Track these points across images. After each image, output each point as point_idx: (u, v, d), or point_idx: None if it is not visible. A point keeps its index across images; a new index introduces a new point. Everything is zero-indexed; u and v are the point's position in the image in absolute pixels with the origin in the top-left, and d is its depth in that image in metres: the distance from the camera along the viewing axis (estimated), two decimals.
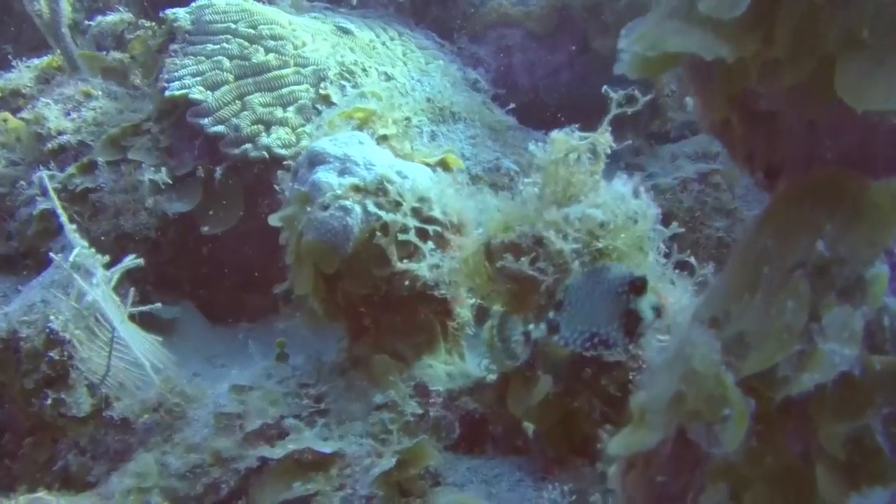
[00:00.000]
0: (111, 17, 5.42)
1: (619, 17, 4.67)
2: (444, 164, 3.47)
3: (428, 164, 3.35)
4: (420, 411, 2.84)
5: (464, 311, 3.15)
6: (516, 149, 4.14)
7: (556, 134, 2.74)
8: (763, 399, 1.28)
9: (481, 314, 3.17)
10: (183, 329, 4.05)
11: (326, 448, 2.67)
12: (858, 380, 1.28)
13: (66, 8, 4.80)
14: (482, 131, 4.17)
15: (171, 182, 4.00)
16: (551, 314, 2.45)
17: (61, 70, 4.86)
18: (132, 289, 3.47)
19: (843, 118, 1.53)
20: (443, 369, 2.98)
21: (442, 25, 5.10)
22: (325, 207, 2.93)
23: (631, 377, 2.47)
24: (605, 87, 2.77)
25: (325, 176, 3.00)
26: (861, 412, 1.24)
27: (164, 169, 4.02)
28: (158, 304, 3.60)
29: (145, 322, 3.71)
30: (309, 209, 2.97)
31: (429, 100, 4.12)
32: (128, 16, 5.24)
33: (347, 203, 2.91)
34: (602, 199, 2.70)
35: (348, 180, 2.96)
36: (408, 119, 3.84)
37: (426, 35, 4.84)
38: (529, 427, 2.82)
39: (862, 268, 1.42)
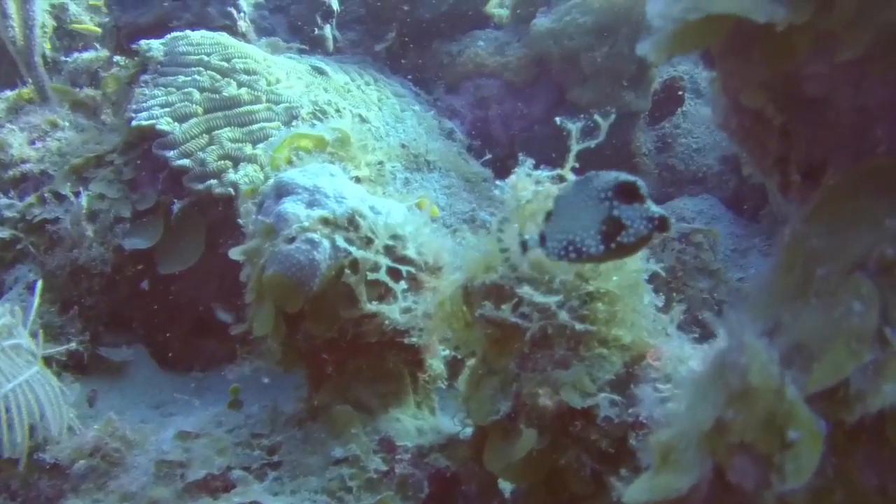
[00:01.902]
0: (87, 55, 5.20)
1: (597, 69, 4.50)
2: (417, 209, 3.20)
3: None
4: (385, 468, 2.49)
5: (436, 362, 2.83)
6: (492, 201, 3.89)
7: (513, 178, 2.46)
8: (832, 423, 0.99)
9: (455, 367, 2.86)
10: (133, 373, 3.69)
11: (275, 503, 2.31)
12: None
13: (39, 35, 4.55)
14: (457, 182, 3.93)
15: (130, 216, 3.68)
16: (542, 225, 2.11)
17: (32, 101, 4.60)
18: (40, 331, 3.10)
19: None
20: (412, 423, 2.64)
21: (418, 75, 4.91)
22: (291, 240, 2.61)
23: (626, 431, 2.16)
24: (557, 118, 2.50)
25: (293, 207, 2.70)
26: None
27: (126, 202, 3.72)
28: (63, 347, 3.22)
29: (94, 364, 3.46)
30: (273, 242, 2.66)
31: (403, 146, 3.88)
32: (103, 53, 5.02)
33: (315, 236, 2.60)
34: None
35: (317, 212, 2.66)
36: (381, 163, 3.57)
37: (402, 83, 4.63)
38: (507, 486, 2.48)
39: None
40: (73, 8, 5.74)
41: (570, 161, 2.47)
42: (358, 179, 3.17)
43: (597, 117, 2.43)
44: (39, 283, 3.25)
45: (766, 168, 1.58)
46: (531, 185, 2.44)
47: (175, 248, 3.60)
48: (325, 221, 2.64)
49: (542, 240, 2.08)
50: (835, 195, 1.35)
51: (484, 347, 2.47)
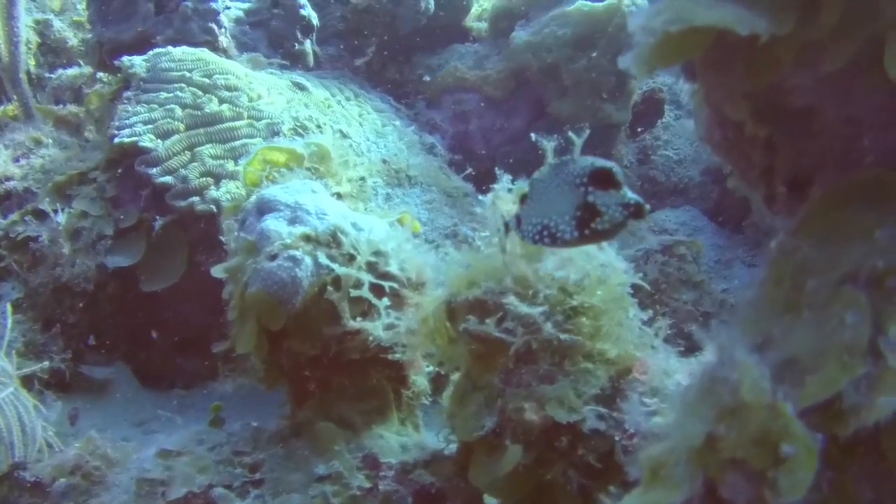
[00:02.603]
0: (70, 71, 5.16)
1: (577, 80, 4.49)
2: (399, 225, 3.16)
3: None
4: (368, 485, 2.45)
5: (420, 378, 2.79)
6: (473, 216, 3.87)
7: (492, 194, 2.43)
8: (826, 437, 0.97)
9: (438, 383, 2.83)
10: (114, 391, 3.66)
11: None
12: None
13: (23, 52, 4.51)
14: (439, 196, 3.90)
15: (112, 234, 3.64)
16: (518, 208, 2.08)
17: (16, 119, 4.56)
18: (13, 352, 3.05)
19: (889, 112, 1.26)
20: (396, 440, 2.60)
21: (399, 89, 4.88)
22: (273, 257, 2.58)
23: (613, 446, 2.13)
24: (532, 134, 2.46)
25: (275, 224, 2.66)
26: None
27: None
28: (39, 366, 3.17)
29: (76, 383, 3.43)
30: (255, 259, 2.62)
31: (385, 161, 3.85)
32: (87, 69, 4.98)
33: (297, 253, 2.56)
34: (567, 253, 2.40)
35: (299, 229, 2.62)
36: (362, 179, 3.54)
37: (382, 98, 4.61)
38: (492, 502, 2.44)
39: None
40: (56, 24, 5.70)
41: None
42: (339, 195, 3.14)
43: (570, 134, 2.42)
44: (9, 306, 3.19)
45: (751, 180, 1.56)
46: (510, 200, 2.42)
47: (157, 265, 3.56)
48: (308, 238, 2.61)
49: (517, 221, 2.06)
50: (823, 207, 1.33)
51: (468, 363, 2.44)
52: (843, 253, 1.21)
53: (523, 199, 2.06)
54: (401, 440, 2.63)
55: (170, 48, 3.90)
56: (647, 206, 1.87)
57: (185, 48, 3.90)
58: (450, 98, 4.75)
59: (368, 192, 3.55)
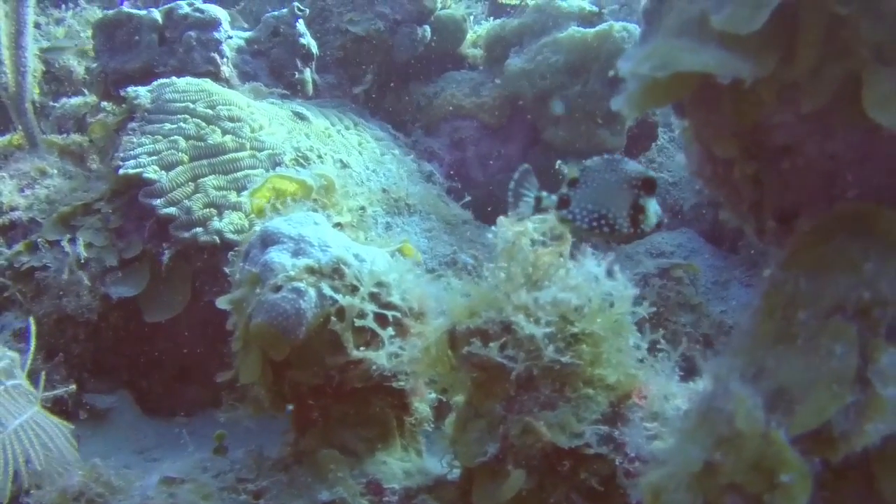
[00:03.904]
0: (74, 101, 5.22)
1: (571, 108, 4.55)
2: (400, 255, 3.22)
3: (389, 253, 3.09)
4: None
5: (422, 405, 2.84)
6: (472, 243, 3.92)
7: (502, 218, 2.50)
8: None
9: (441, 409, 2.87)
10: (116, 419, 3.69)
11: None
12: None
13: (30, 83, 4.58)
14: (438, 224, 3.95)
15: (116, 265, 3.69)
16: (564, 189, 2.27)
17: (22, 148, 4.62)
18: (42, 373, 3.11)
19: (868, 148, 1.31)
20: (399, 466, 2.64)
21: (397, 117, 4.95)
22: (277, 289, 2.63)
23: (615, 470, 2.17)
24: (558, 161, 2.59)
25: (278, 256, 2.72)
26: None
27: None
28: (72, 387, 3.22)
29: (78, 410, 3.45)
30: (259, 291, 2.67)
31: (384, 190, 3.91)
32: (91, 98, 5.04)
33: (301, 285, 2.62)
34: (574, 280, 2.45)
35: (302, 261, 2.68)
36: (363, 208, 3.61)
37: (381, 126, 4.67)
38: None
39: None
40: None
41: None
42: (340, 225, 3.20)
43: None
44: (32, 325, 3.23)
45: (742, 213, 1.62)
46: (519, 225, 2.48)
47: (161, 296, 3.61)
48: (311, 270, 2.66)
49: (563, 203, 2.21)
50: (810, 240, 1.39)
51: (470, 391, 2.49)
52: (830, 285, 1.27)
53: (573, 182, 2.22)
54: (404, 466, 2.67)
55: (174, 79, 3.97)
56: (665, 221, 2.11)
57: (188, 79, 3.97)
58: (447, 125, 4.82)
59: (369, 221, 3.62)
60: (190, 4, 4.30)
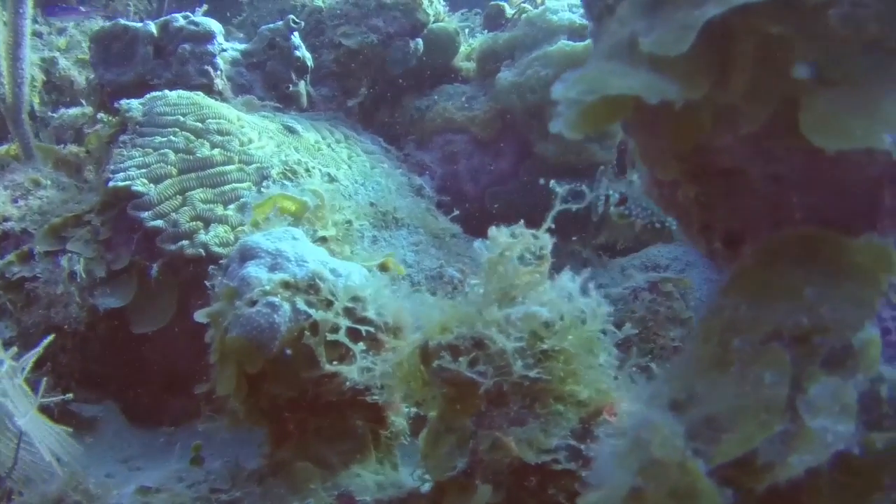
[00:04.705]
0: (73, 111, 5.25)
1: None
2: (383, 269, 3.21)
3: (371, 268, 3.09)
4: None
5: (398, 419, 2.83)
6: (460, 257, 3.90)
7: (494, 231, 2.48)
8: (742, 491, 0.98)
9: (418, 423, 2.85)
10: (102, 429, 3.70)
11: None
12: (858, 460, 1.00)
13: (27, 94, 4.59)
14: (426, 238, 3.93)
15: (104, 276, 3.69)
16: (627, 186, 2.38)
17: (17, 158, 4.63)
18: (44, 379, 3.12)
19: (811, 170, 1.29)
20: (372, 479, 2.64)
21: (389, 130, 4.93)
22: (252, 303, 2.65)
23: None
24: (552, 181, 2.55)
25: (255, 271, 2.73)
26: (866, 498, 0.95)
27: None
28: (70, 395, 3.22)
29: (64, 419, 3.37)
30: (235, 305, 2.68)
31: (372, 204, 3.89)
32: (88, 110, 5.06)
33: (276, 300, 2.63)
34: (547, 296, 2.42)
35: (278, 276, 2.69)
36: (349, 222, 3.59)
37: (373, 140, 4.66)
38: None
39: (849, 334, 1.16)
40: (62, 62, 5.79)
41: (549, 222, 2.50)
42: (325, 239, 3.20)
43: (584, 187, 2.47)
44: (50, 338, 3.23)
45: (693, 236, 1.59)
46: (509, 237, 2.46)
47: (147, 308, 3.61)
48: (287, 285, 2.68)
49: (621, 201, 2.24)
50: (752, 265, 1.36)
51: (441, 406, 2.47)
52: (769, 311, 1.24)
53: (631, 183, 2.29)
54: (377, 479, 2.66)
55: (166, 92, 3.98)
56: None
57: (180, 92, 3.97)
58: (439, 139, 4.80)
59: (355, 235, 3.60)
60: (185, 17, 4.31)
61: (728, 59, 1.21)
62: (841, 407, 1.00)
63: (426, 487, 2.57)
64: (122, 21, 4.41)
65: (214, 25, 4.32)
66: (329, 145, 4.15)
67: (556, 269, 2.53)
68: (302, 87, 4.74)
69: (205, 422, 3.01)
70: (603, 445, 2.14)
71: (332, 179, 3.85)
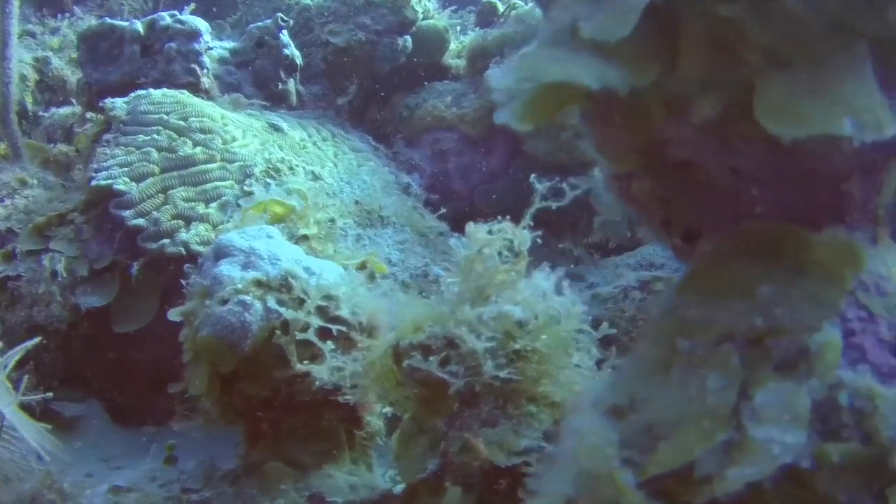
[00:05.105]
0: (63, 110, 5.19)
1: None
2: (365, 268, 3.12)
3: (349, 267, 3.00)
4: None
5: (374, 419, 2.75)
6: (446, 255, 3.80)
7: (472, 227, 2.39)
8: None
9: (395, 424, 2.76)
10: (84, 428, 3.65)
11: None
12: (808, 474, 0.91)
13: (14, 93, 4.51)
14: (412, 237, 3.85)
15: (86, 275, 3.63)
16: None
17: (6, 158, 4.56)
18: (26, 376, 3.06)
19: (772, 161, 1.19)
20: (345, 480, 2.58)
21: (380, 128, 4.84)
22: (224, 302, 2.59)
23: None
24: (531, 176, 2.45)
25: (228, 269, 2.66)
26: None
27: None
28: (50, 394, 3.16)
29: (46, 419, 3.29)
30: (207, 303, 2.60)
31: (357, 202, 3.81)
32: (78, 109, 4.98)
33: (247, 298, 2.56)
34: (521, 295, 2.34)
35: (251, 274, 2.62)
36: (332, 220, 3.51)
37: (361, 138, 4.57)
38: None
39: (806, 336, 1.06)
40: (55, 62, 5.71)
41: (527, 219, 2.41)
42: (306, 237, 3.13)
43: (564, 185, 2.36)
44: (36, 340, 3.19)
45: (655, 231, 1.49)
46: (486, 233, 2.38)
47: (129, 307, 3.56)
48: (259, 283, 2.62)
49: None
50: (708, 262, 1.27)
51: (414, 406, 2.40)
52: (722, 311, 1.15)
53: None
54: (350, 480, 2.61)
55: (150, 91, 3.92)
56: None
57: (164, 90, 3.91)
58: (429, 137, 4.71)
59: (337, 233, 3.51)
60: (172, 16, 4.24)
61: (678, 44, 1.11)
62: (791, 415, 0.90)
63: (399, 489, 2.49)
64: (109, 20, 4.35)
65: (200, 24, 4.25)
66: (315, 143, 4.07)
67: (548, 267, 2.44)
68: (291, 85, 4.66)
69: (179, 421, 2.94)
70: (550, 451, 2.07)
71: (316, 178, 3.76)
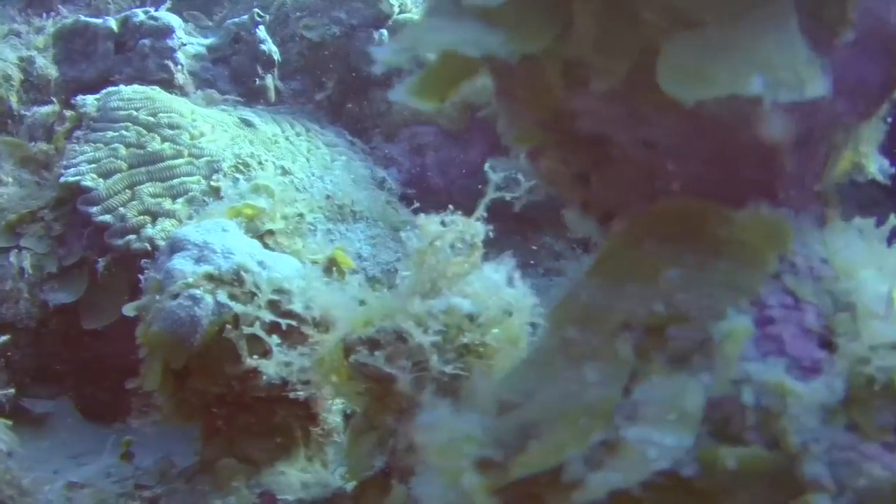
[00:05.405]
0: (44, 109, 5.07)
1: None
2: (332, 263, 3.02)
3: (316, 262, 2.90)
4: None
5: (332, 416, 2.65)
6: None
7: (423, 219, 2.28)
8: None
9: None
10: (54, 425, 3.60)
11: None
12: (691, 483, 0.78)
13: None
14: (384, 231, 3.75)
15: (56, 272, 3.56)
16: None
17: None
18: None
19: (688, 132, 1.07)
20: (297, 477, 2.51)
21: (359, 123, 4.72)
22: (175, 296, 2.52)
23: None
24: (486, 165, 2.34)
25: (180, 263, 2.59)
26: None
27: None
28: (12, 391, 3.14)
29: (17, 416, 3.22)
30: (158, 298, 2.50)
31: (328, 197, 3.71)
32: (58, 107, 4.87)
33: (197, 292, 2.49)
34: (472, 288, 2.23)
35: (202, 268, 2.55)
36: (301, 215, 3.41)
37: (337, 133, 4.48)
38: None
39: (712, 324, 0.94)
40: (40, 61, 5.61)
41: (480, 210, 2.31)
42: (272, 232, 3.03)
43: (520, 175, 2.25)
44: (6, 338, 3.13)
45: (577, 213, 1.36)
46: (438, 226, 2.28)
47: (98, 303, 3.49)
48: (210, 277, 2.54)
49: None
50: (618, 244, 1.14)
51: (364, 403, 2.30)
52: (625, 297, 1.02)
53: None
54: (303, 477, 2.54)
55: (121, 87, 3.85)
56: None
57: (135, 87, 3.83)
58: (406, 131, 4.60)
59: (306, 228, 3.41)
60: (146, 12, 4.15)
61: (572, 5, 0.99)
62: (678, 414, 0.78)
63: (351, 487, 2.40)
64: (84, 18, 4.25)
65: (174, 20, 4.17)
66: (288, 138, 3.97)
67: (527, 262, 2.35)
68: (269, 80, 4.56)
69: (137, 417, 2.86)
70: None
71: (285, 172, 3.67)
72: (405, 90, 1.12)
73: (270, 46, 4.53)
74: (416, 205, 4.15)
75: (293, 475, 2.50)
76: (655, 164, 1.11)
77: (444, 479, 0.84)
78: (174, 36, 4.14)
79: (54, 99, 5.19)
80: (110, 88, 3.85)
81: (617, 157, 1.14)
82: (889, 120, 1.29)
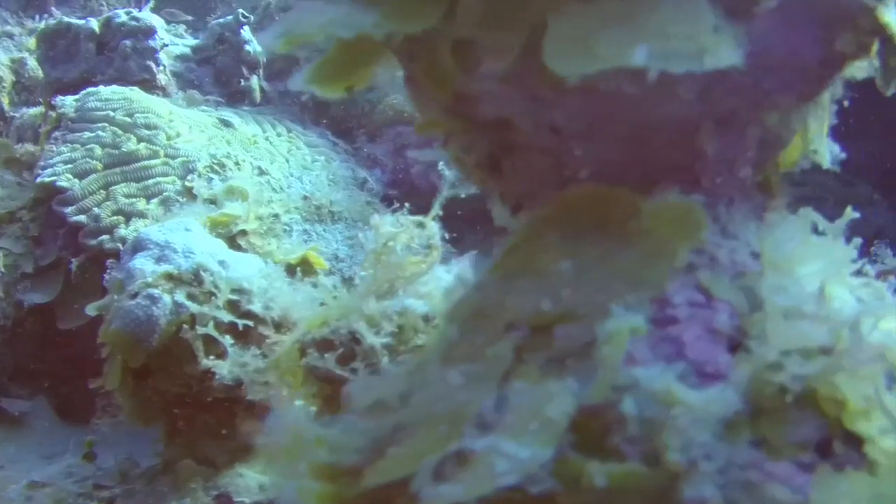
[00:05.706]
0: (32, 111, 5.03)
1: None
2: (305, 263, 2.95)
3: (290, 263, 2.84)
4: None
5: None
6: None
7: (377, 219, 2.21)
8: None
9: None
10: (32, 424, 3.54)
11: None
12: (548, 501, 0.70)
13: None
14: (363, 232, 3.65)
15: (31, 272, 3.53)
16: None
17: None
18: None
19: (592, 114, 0.98)
20: (255, 479, 2.44)
21: (342, 123, 4.64)
22: (134, 296, 2.46)
23: None
24: (440, 164, 2.25)
25: (141, 263, 2.56)
26: None
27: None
28: None
29: None
30: (117, 298, 2.45)
31: (305, 198, 3.64)
32: (44, 108, 4.83)
33: (156, 292, 2.45)
34: (426, 289, 2.15)
35: (162, 268, 2.52)
36: (276, 216, 3.35)
37: (320, 133, 4.41)
38: None
39: (599, 323, 0.85)
40: (31, 63, 5.57)
41: (436, 208, 2.23)
42: (245, 233, 2.97)
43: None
44: None
45: (497, 205, 1.28)
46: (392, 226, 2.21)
47: (73, 303, 3.43)
48: (169, 277, 2.51)
49: None
50: (521, 236, 1.06)
51: (319, 405, 2.22)
52: (517, 293, 0.94)
53: None
54: (261, 479, 2.46)
55: (100, 88, 3.81)
56: None
57: (114, 87, 3.79)
58: (390, 131, 4.52)
59: (281, 228, 3.34)
60: (127, 13, 4.10)
61: None
62: (540, 423, 0.69)
63: None
64: (66, 18, 4.20)
65: (156, 20, 4.12)
66: (268, 139, 3.91)
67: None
68: (255, 81, 4.50)
69: (100, 416, 2.81)
70: None
71: (262, 173, 3.61)
72: (303, 78, 1.05)
73: (255, 47, 4.47)
74: (397, 205, 4.07)
75: (251, 477, 2.45)
76: (562, 150, 1.02)
77: (301, 493, 0.76)
78: (156, 36, 4.09)
79: (41, 100, 5.15)
80: (90, 89, 3.81)
81: (522, 143, 1.06)
82: (843, 102, 1.19)
